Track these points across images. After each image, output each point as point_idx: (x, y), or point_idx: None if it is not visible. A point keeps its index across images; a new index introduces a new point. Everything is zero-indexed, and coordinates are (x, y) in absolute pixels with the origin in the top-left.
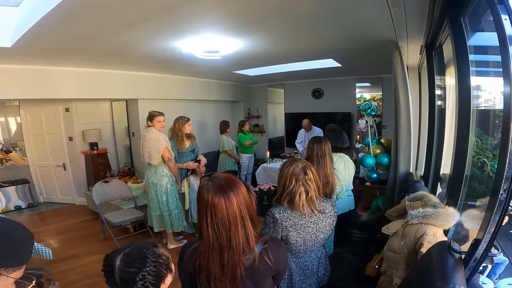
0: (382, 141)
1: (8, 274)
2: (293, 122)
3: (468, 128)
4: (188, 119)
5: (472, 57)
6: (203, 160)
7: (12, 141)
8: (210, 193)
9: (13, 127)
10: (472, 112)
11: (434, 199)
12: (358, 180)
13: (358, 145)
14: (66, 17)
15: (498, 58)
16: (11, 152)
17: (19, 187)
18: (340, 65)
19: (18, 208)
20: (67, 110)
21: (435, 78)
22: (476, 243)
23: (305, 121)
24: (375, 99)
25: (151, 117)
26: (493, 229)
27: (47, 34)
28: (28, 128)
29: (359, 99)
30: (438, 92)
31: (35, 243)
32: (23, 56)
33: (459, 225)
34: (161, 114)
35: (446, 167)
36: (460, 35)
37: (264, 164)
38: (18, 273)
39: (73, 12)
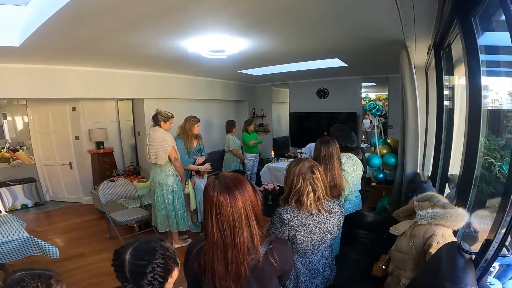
0: (388, 141)
1: None
2: (298, 121)
3: (478, 128)
4: (199, 120)
5: (482, 57)
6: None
7: (19, 140)
8: (216, 191)
9: (20, 126)
10: (482, 112)
11: (443, 199)
12: (364, 180)
13: (363, 145)
14: (73, 17)
15: (509, 58)
16: (18, 151)
17: (26, 186)
18: (346, 65)
19: (25, 207)
20: (73, 109)
21: (443, 78)
22: (487, 243)
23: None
24: (381, 99)
25: (167, 118)
26: (504, 230)
27: (54, 34)
28: (35, 127)
29: (364, 99)
30: (446, 92)
31: (42, 242)
32: (31, 55)
33: (468, 226)
34: (173, 115)
35: (454, 168)
36: (471, 35)
37: (269, 164)
38: None
39: (80, 12)
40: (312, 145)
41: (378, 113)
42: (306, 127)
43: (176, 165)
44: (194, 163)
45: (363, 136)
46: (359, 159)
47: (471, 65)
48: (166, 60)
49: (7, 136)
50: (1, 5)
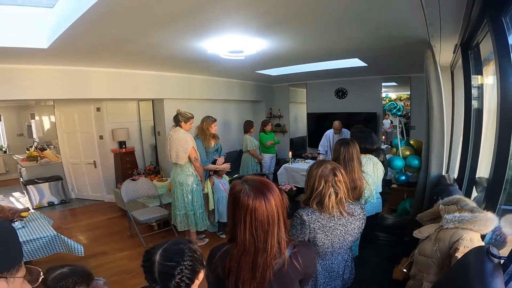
0: (411, 142)
1: (14, 275)
2: (315, 122)
3: (510, 129)
4: (215, 120)
5: None
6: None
7: (47, 139)
8: (250, 197)
9: (48, 126)
10: None
11: (471, 203)
12: (383, 182)
13: (383, 146)
14: (99, 18)
15: None
16: (46, 149)
17: (53, 184)
18: (366, 65)
19: (51, 204)
20: (98, 109)
21: (471, 78)
22: None
23: (336, 123)
24: (401, 98)
25: (187, 118)
26: None
27: (81, 35)
28: (62, 126)
29: (384, 98)
30: (474, 92)
31: (68, 240)
32: (58, 57)
33: (496, 230)
34: (193, 116)
35: (482, 171)
36: (502, 35)
37: (286, 164)
38: (22, 271)
39: (106, 13)
40: (328, 132)
41: (399, 113)
42: (324, 127)
43: (196, 165)
44: (213, 163)
45: (383, 137)
46: (380, 160)
47: (502, 65)
48: (186, 60)
49: (35, 135)
50: (28, 6)
